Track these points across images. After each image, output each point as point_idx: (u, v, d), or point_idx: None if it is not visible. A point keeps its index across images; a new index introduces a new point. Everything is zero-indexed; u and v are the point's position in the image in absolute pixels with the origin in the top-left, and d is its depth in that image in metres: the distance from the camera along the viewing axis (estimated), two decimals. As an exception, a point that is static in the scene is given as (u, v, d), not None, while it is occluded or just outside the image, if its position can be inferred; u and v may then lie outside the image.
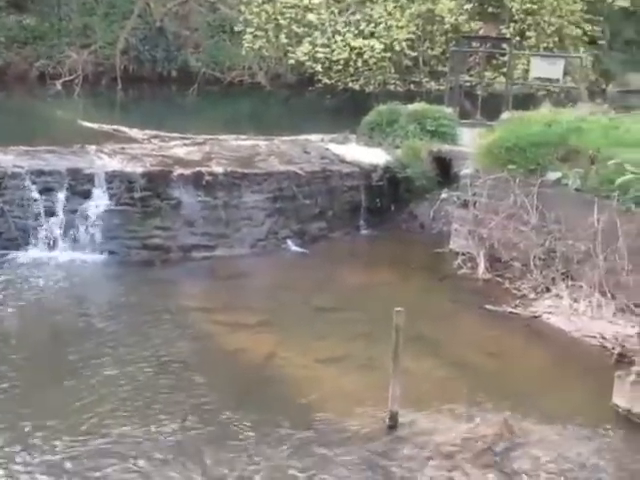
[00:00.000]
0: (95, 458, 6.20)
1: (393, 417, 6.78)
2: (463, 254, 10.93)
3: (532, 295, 9.87)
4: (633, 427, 6.97)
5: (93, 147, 11.74)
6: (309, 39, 22.88)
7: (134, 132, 14.50)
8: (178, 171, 11.12)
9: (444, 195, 12.10)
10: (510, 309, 9.51)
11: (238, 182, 11.41)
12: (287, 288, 10.03)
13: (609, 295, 9.28)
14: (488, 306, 9.57)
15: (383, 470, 6.25)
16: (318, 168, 12.21)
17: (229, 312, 9.16)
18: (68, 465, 6.09)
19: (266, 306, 9.42)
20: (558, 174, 10.14)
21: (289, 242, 11.68)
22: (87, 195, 10.76)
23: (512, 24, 23.48)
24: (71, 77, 25.44)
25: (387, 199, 12.63)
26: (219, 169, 11.41)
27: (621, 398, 7.17)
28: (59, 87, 24.73)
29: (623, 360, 8.07)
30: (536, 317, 9.35)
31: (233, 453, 6.36)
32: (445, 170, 12.92)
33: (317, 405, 7.12)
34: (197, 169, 11.27)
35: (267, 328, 8.74)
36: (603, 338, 8.66)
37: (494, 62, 21.98)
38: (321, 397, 7.27)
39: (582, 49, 24.01)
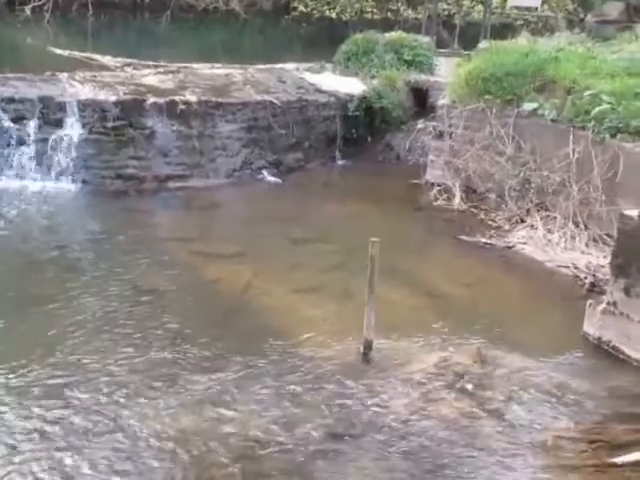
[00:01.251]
0: (67, 387, 6.23)
1: (368, 345, 6.87)
2: (439, 185, 10.95)
3: (507, 226, 9.94)
4: (602, 355, 7.10)
5: (65, 75, 11.53)
6: (284, -35, 22.46)
7: (106, 60, 14.23)
8: (151, 100, 10.98)
9: (420, 126, 12.07)
10: (485, 240, 9.58)
11: (213, 111, 11.29)
12: (263, 219, 10.01)
13: (582, 226, 9.37)
14: (463, 237, 9.64)
15: (357, 397, 6.34)
16: (294, 98, 12.09)
17: (205, 242, 9.15)
18: (37, 392, 6.12)
19: (242, 237, 9.41)
20: (534, 105, 10.12)
21: (265, 172, 11.63)
22: (59, 124, 10.60)
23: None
24: (40, 2, 24.82)
25: (363, 130, 12.57)
26: (193, 98, 11.27)
27: (592, 327, 7.29)
28: (28, 13, 24.13)
29: (594, 289, 8.20)
30: (510, 247, 9.43)
31: (209, 381, 6.42)
32: (421, 100, 12.86)
33: (293, 334, 7.18)
34: (171, 98, 11.13)
35: (243, 259, 8.75)
36: (576, 268, 8.77)
37: (472, -10, 21.74)
38: (297, 326, 7.33)
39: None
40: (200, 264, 8.55)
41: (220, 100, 11.44)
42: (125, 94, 11.02)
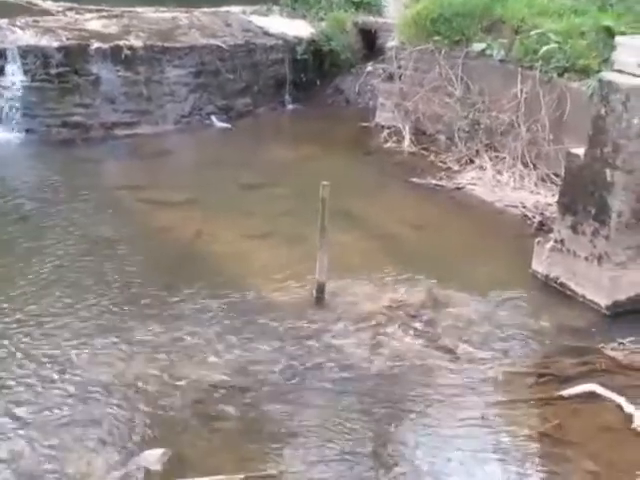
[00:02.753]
0: (17, 335, 6.20)
1: (320, 288, 6.91)
2: (389, 128, 10.94)
3: (456, 167, 9.99)
4: (550, 291, 7.24)
5: (5, 20, 11.18)
6: None
7: (47, 4, 13.79)
8: (95, 45, 10.74)
9: (370, 68, 12.01)
10: (435, 181, 9.63)
11: (159, 56, 11.10)
12: (213, 165, 9.93)
13: (531, 165, 9.47)
14: (413, 179, 9.67)
15: (311, 338, 6.40)
16: (241, 41, 11.91)
17: (154, 190, 9.06)
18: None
19: (192, 183, 9.34)
20: (482, 45, 10.11)
21: (214, 118, 11.50)
22: (0, 72, 10.32)
23: None
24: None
25: (312, 73, 12.44)
26: (138, 43, 11.05)
27: (540, 264, 7.42)
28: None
29: (543, 228, 8.31)
30: (460, 189, 9.50)
31: (162, 327, 6.42)
32: (370, 43, 12.74)
33: (245, 279, 7.20)
34: (115, 43, 10.90)
35: (194, 205, 8.70)
36: (524, 207, 8.88)
37: None
38: (249, 271, 7.34)
39: None
40: (150, 212, 8.48)
41: (166, 45, 11.25)
42: (68, 39, 10.76)
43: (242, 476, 4.87)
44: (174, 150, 10.63)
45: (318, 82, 12.51)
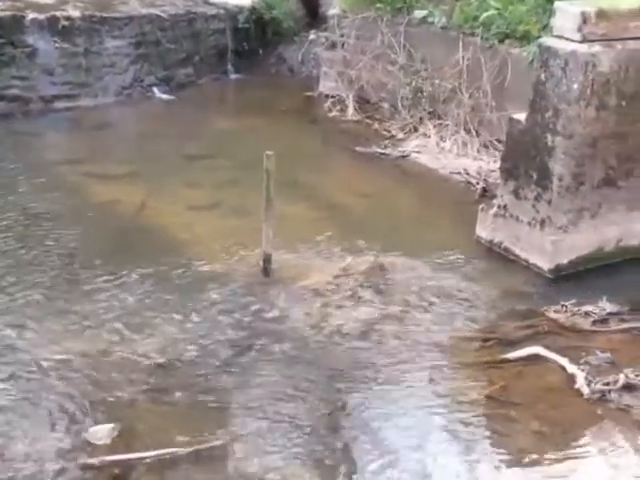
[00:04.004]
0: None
1: (267, 259, 6.89)
2: (333, 97, 10.90)
3: (401, 135, 10.02)
4: (494, 256, 7.33)
5: None
6: None
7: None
8: (31, 16, 10.46)
9: (312, 37, 11.94)
10: (380, 150, 9.64)
11: (98, 27, 10.86)
12: (155, 137, 9.81)
13: (474, 132, 9.53)
14: (358, 148, 9.68)
15: (258, 310, 6.40)
16: (182, 11, 11.71)
17: (97, 163, 8.91)
18: None
19: (135, 156, 9.22)
20: (424, 12, 10.11)
21: (155, 89, 11.32)
22: None
23: None
24: None
25: (255, 42, 12.31)
26: (76, 13, 10.80)
27: (484, 230, 7.50)
28: None
29: (486, 194, 8.40)
30: (405, 157, 9.53)
31: (107, 302, 6.36)
32: (313, 10, 12.66)
33: (190, 252, 7.15)
34: (52, 13, 10.62)
35: (137, 178, 8.58)
36: (468, 174, 8.95)
37: None
38: (194, 244, 7.30)
39: None
40: (92, 186, 8.35)
41: (105, 15, 11.00)
42: (2, 10, 10.47)
43: (191, 448, 4.87)
44: (116, 122, 10.47)
45: (261, 51, 12.39)
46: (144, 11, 11.40)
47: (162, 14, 11.45)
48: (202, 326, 6.16)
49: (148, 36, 11.29)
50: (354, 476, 4.88)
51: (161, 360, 5.72)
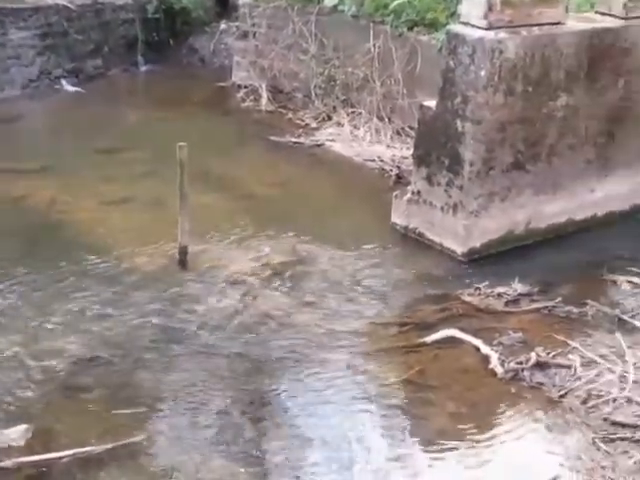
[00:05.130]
0: None
1: (183, 251, 6.85)
2: (245, 87, 10.86)
3: (314, 124, 10.05)
4: (409, 242, 7.44)
5: None
6: None
7: None
8: None
9: (223, 26, 11.85)
10: (294, 139, 9.66)
11: (2, 18, 10.57)
12: (65, 130, 9.61)
13: (386, 120, 9.62)
14: (272, 137, 9.66)
15: (176, 303, 6.36)
16: (89, 1, 11.47)
17: (5, 159, 8.65)
18: None
19: (44, 150, 9.01)
20: (335, 1, 10.14)
21: (63, 82, 11.09)
22: None
23: None
24: None
25: (165, 32, 12.15)
26: (-22, 4, 10.50)
27: (399, 216, 7.59)
28: None
29: (400, 181, 8.50)
30: (319, 145, 9.57)
31: (21, 299, 6.23)
32: (223, 0, 12.56)
33: (105, 247, 7.04)
34: (-47, 5, 10.32)
35: (48, 173, 8.40)
36: (382, 161, 9.04)
37: None
38: (109, 238, 7.18)
39: None
40: (2, 181, 8.12)
41: (9, 5, 10.71)
42: None
43: (110, 446, 4.81)
44: (24, 116, 10.20)
45: (171, 42, 12.24)
46: (50, 1, 11.14)
47: (69, 4, 11.21)
48: (118, 321, 6.08)
49: (55, 27, 11.05)
50: (275, 466, 4.89)
51: (77, 357, 5.63)
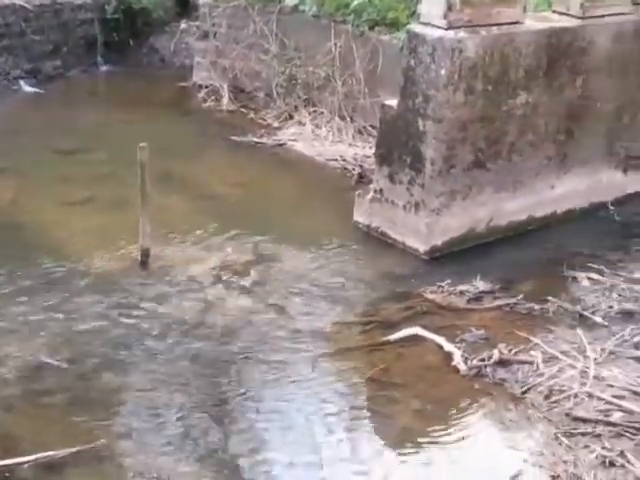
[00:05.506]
0: None
1: (145, 253, 6.80)
2: (207, 87, 10.82)
3: (276, 124, 10.03)
4: (372, 241, 7.45)
5: None
6: None
7: None
8: None
9: (183, 26, 11.78)
10: (256, 139, 9.63)
11: (-43, 19, 10.44)
12: (24, 132, 9.47)
13: (348, 119, 9.64)
14: (234, 137, 9.63)
15: (139, 306, 6.31)
16: (47, 1, 11.35)
17: (-38, 161, 8.57)
18: None
19: (3, 151, 8.84)
20: (295, 0, 10.14)
21: (21, 82, 10.97)
22: None
23: None
24: None
25: (124, 33, 12.04)
26: None
27: (361, 215, 7.61)
28: None
29: (363, 180, 8.52)
30: (281, 145, 9.55)
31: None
32: (183, 0, 12.50)
33: (66, 249, 6.97)
34: None
35: (7, 174, 8.29)
36: (344, 160, 9.05)
37: None
38: (69, 240, 7.11)
39: None
40: (-41, 184, 8.03)
41: (-36, 6, 10.59)
42: None
43: (73, 450, 4.76)
44: (-19, 118, 10.09)
45: (131, 42, 12.14)
46: (7, 1, 10.99)
47: (26, 4, 11.08)
48: (80, 324, 6.02)
49: (12, 27, 10.93)
50: (240, 469, 4.88)
51: (39, 362, 5.56)
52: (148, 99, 10.73)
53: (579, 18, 7.47)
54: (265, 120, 10.13)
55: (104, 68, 11.90)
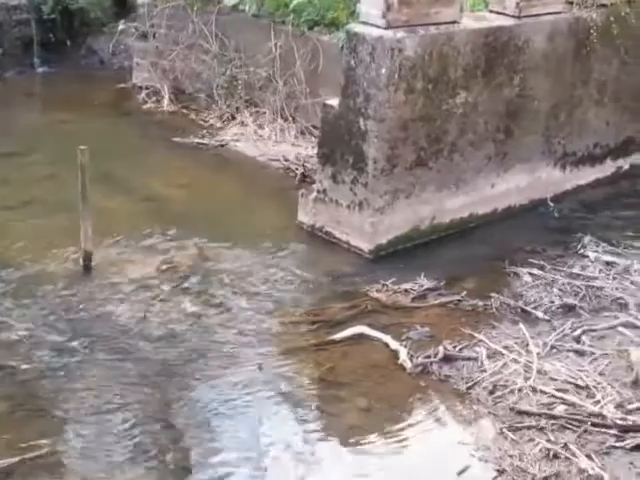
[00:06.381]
0: None
1: (87, 256, 6.71)
2: (147, 88, 10.71)
3: (218, 124, 9.99)
4: (316, 240, 7.46)
5: None
6: None
7: None
8: None
9: (122, 27, 11.63)
10: (198, 140, 9.58)
11: None
12: (-42, 135, 9.31)
13: (290, 119, 9.64)
14: (176, 139, 9.56)
15: (82, 309, 6.23)
16: (-19, 2, 11.16)
17: None
18: None
19: (-64, 156, 8.70)
20: (235, 0, 10.10)
21: (-45, 84, 10.75)
22: None
23: None
24: None
25: (62, 33, 11.87)
26: None
27: (305, 215, 7.61)
28: None
29: (306, 180, 8.52)
30: (223, 145, 9.51)
31: None
32: (121, 0, 12.35)
33: (6, 253, 6.84)
34: None
35: (-59, 179, 8.13)
36: (287, 160, 9.05)
37: None
38: (10, 245, 6.99)
39: None
40: None
41: None
42: None
43: (17, 459, 4.67)
44: None
45: (69, 43, 11.97)
46: (-61, 2, 10.76)
47: (-41, 5, 10.85)
48: (22, 330, 5.91)
49: (-55, 28, 10.68)
50: (187, 471, 4.84)
51: (-21, 369, 5.46)
52: (87, 101, 10.58)
53: (515, 17, 7.58)
54: (207, 121, 10.08)
55: (41, 69, 11.71)
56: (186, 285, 6.63)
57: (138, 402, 5.33)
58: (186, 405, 5.38)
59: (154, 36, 10.73)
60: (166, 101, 10.47)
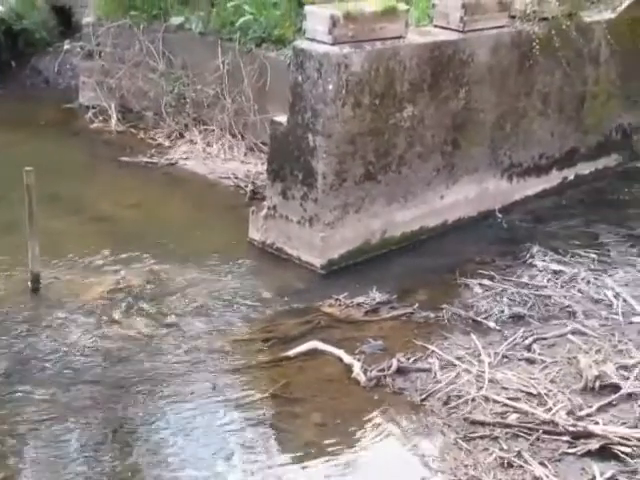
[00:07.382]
0: None
1: (35, 279, 6.61)
2: (94, 107, 10.62)
3: (167, 143, 9.95)
4: (268, 257, 7.46)
5: None
6: None
7: None
8: None
9: (67, 46, 11.56)
10: (146, 159, 9.52)
11: None
12: None
13: (239, 136, 9.64)
14: (124, 158, 9.50)
15: (31, 333, 6.13)
16: None
17: None
18: None
19: None
20: (181, 19, 10.10)
21: None
22: None
23: None
24: None
25: (6, 54, 11.72)
26: None
27: (256, 232, 7.60)
28: None
29: (256, 197, 8.52)
30: (173, 164, 9.47)
31: None
32: (66, 19, 12.26)
33: (-50, 278, 6.73)
34: None
35: None
36: (237, 178, 9.04)
37: None
38: (-45, 269, 6.87)
39: None
40: None
41: None
42: None
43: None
44: None
45: (13, 63, 11.83)
46: None
47: None
48: (-32, 356, 5.81)
49: None
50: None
51: None
52: (33, 121, 10.45)
53: (460, 32, 7.68)
54: (155, 140, 10.03)
55: (-16, 91, 11.54)
56: (137, 305, 6.57)
57: (92, 424, 5.26)
58: (141, 426, 5.32)
59: (100, 55, 10.66)
60: (114, 120, 10.40)
